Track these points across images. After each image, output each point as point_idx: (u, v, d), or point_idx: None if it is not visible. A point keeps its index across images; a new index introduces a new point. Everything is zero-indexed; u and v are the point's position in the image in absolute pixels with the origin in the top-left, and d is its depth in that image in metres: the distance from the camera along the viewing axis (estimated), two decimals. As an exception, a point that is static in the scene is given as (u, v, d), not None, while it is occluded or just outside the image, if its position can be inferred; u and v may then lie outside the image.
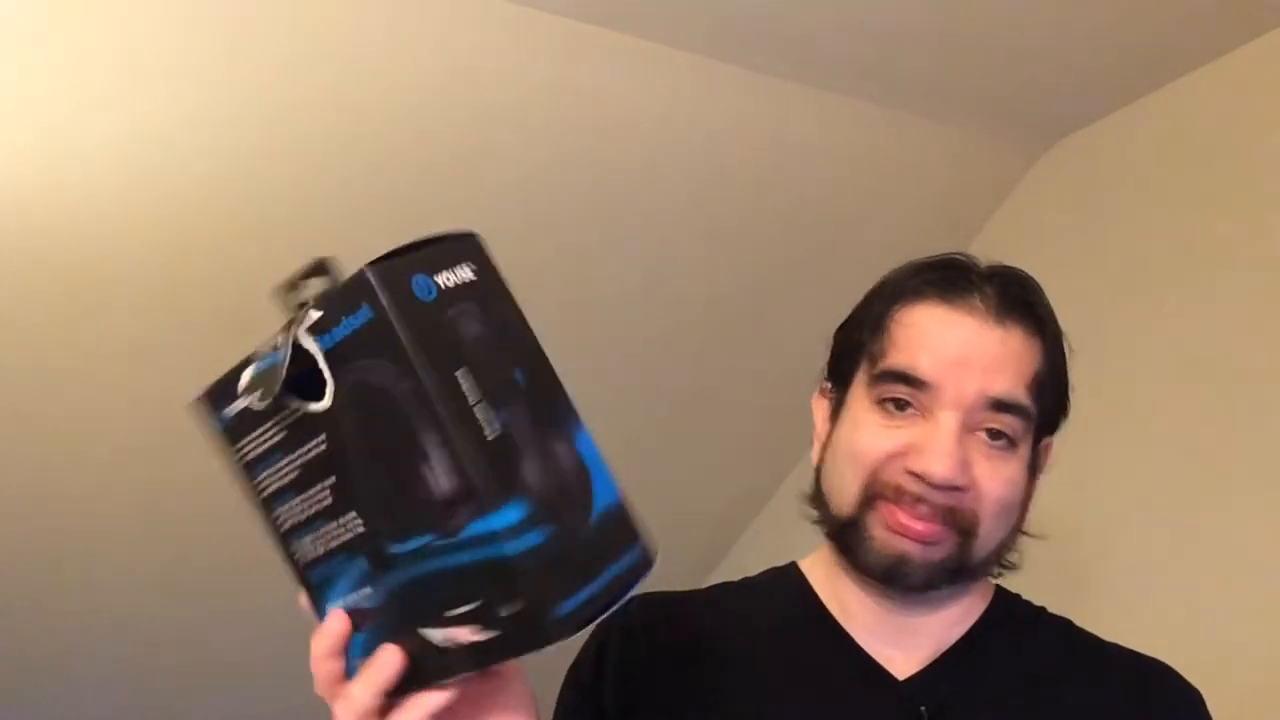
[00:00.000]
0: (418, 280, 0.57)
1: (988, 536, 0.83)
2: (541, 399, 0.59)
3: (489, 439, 0.55)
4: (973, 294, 0.84)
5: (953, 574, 0.84)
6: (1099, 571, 1.94)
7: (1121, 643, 0.92)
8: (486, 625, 0.56)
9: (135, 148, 1.89)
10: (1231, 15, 1.82)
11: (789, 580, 0.94)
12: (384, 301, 0.55)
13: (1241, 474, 1.78)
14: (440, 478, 0.55)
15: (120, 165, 1.90)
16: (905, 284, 0.87)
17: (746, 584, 0.96)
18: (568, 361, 2.42)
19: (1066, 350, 0.89)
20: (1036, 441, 0.87)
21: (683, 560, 2.74)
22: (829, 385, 0.92)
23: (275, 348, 0.60)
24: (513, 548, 0.54)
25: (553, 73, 1.93)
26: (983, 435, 0.82)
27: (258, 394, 0.60)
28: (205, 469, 2.52)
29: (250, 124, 1.90)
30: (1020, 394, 0.82)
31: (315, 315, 0.58)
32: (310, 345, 0.58)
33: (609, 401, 2.41)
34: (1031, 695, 0.86)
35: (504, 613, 0.55)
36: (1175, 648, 0.93)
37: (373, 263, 0.56)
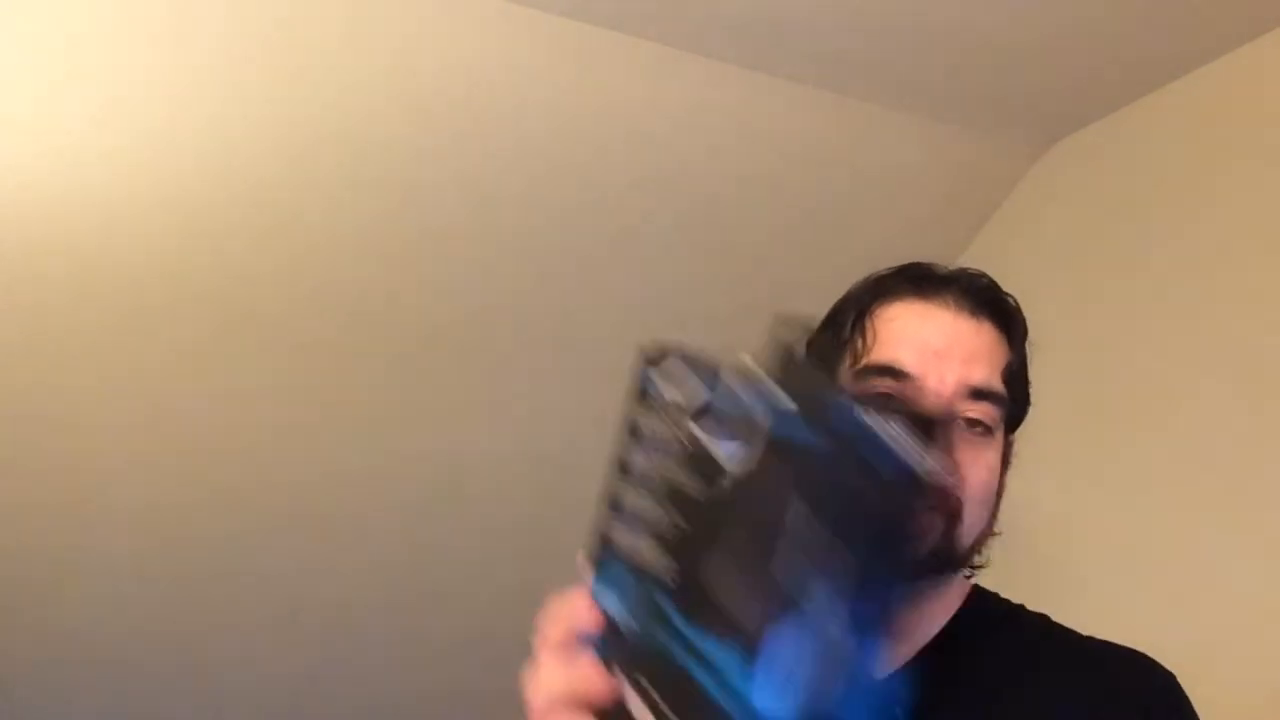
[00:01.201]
0: (853, 410, 0.55)
1: (971, 524, 0.85)
2: (857, 587, 0.56)
3: (776, 582, 0.54)
4: (946, 290, 0.88)
5: (940, 563, 0.85)
6: (1075, 570, 1.94)
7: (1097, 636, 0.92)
8: None
9: (142, 151, 1.89)
10: (1231, 15, 1.82)
11: None
12: (819, 430, 0.55)
13: (1242, 473, 1.78)
14: (725, 580, 0.55)
15: (129, 169, 1.91)
16: (880, 286, 0.91)
17: None
18: (574, 364, 2.42)
19: (1028, 350, 0.91)
20: (1006, 434, 0.89)
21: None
22: None
23: (741, 401, 0.58)
24: (725, 695, 0.53)
25: (552, 74, 1.93)
26: (962, 424, 0.85)
27: (703, 425, 0.59)
28: (204, 457, 2.50)
29: (256, 128, 1.90)
30: (996, 382, 0.86)
31: (785, 403, 0.57)
32: (765, 421, 0.57)
33: (612, 401, 2.42)
34: (1008, 693, 0.86)
35: None
36: (1149, 644, 0.94)
37: (838, 393, 0.55)
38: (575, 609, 0.61)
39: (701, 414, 0.59)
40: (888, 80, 2.02)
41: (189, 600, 2.51)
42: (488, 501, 2.53)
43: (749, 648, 0.53)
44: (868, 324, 0.88)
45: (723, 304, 2.37)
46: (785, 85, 2.02)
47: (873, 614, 0.55)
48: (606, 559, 0.63)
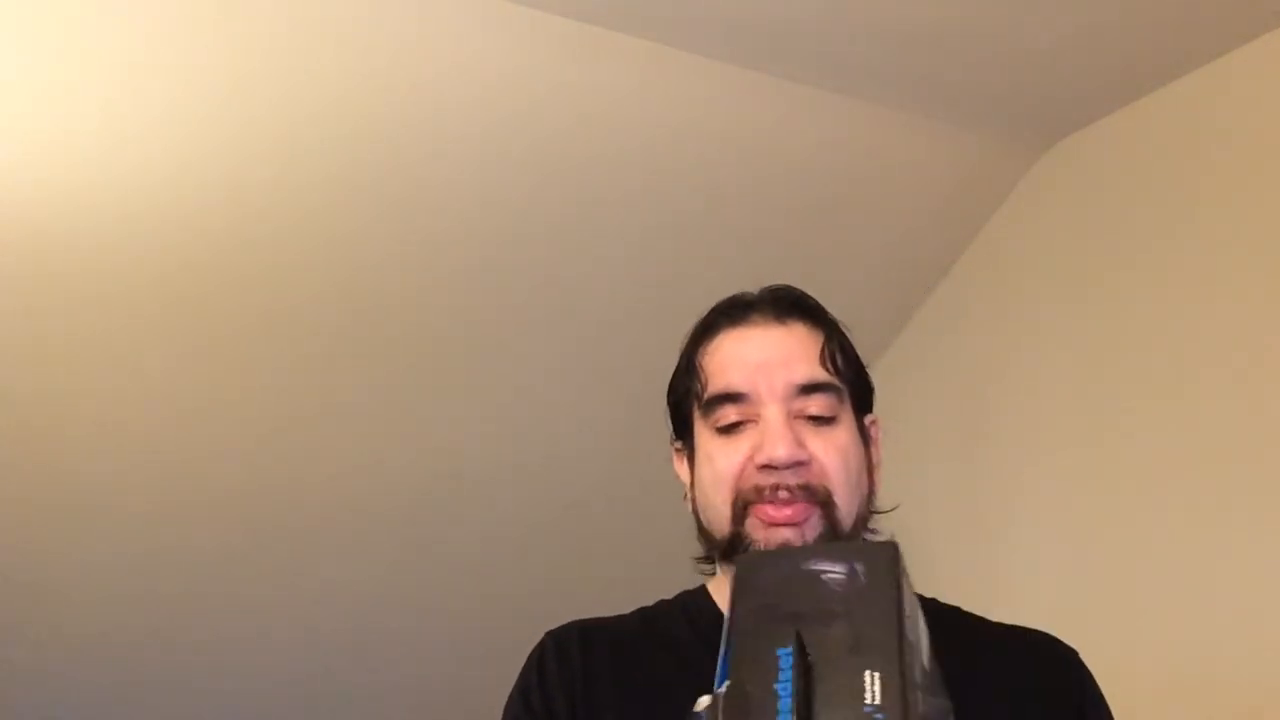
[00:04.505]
0: None
1: (845, 504, 0.93)
2: None
3: None
4: (752, 310, 0.99)
5: None
6: (1077, 566, 1.94)
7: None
8: None
9: (144, 154, 1.90)
10: (1231, 15, 1.82)
11: (697, 600, 1.03)
12: None
13: (1244, 471, 1.78)
14: None
15: (130, 170, 1.91)
16: (701, 328, 1.02)
17: (663, 606, 1.05)
18: (576, 365, 2.40)
19: (848, 333, 1.00)
20: (859, 416, 0.97)
21: (674, 562, 2.74)
22: (679, 443, 1.03)
23: None
24: None
25: (555, 75, 1.93)
26: (804, 419, 0.93)
27: None
28: (205, 458, 2.50)
29: (257, 129, 1.90)
30: (820, 374, 0.94)
31: None
32: None
33: (613, 403, 2.42)
34: None
35: None
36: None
37: None
38: None
39: None
40: (887, 81, 2.02)
41: (189, 601, 2.51)
42: (488, 501, 2.53)
43: None
44: (698, 364, 0.99)
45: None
46: (786, 86, 2.02)
47: None
48: None
